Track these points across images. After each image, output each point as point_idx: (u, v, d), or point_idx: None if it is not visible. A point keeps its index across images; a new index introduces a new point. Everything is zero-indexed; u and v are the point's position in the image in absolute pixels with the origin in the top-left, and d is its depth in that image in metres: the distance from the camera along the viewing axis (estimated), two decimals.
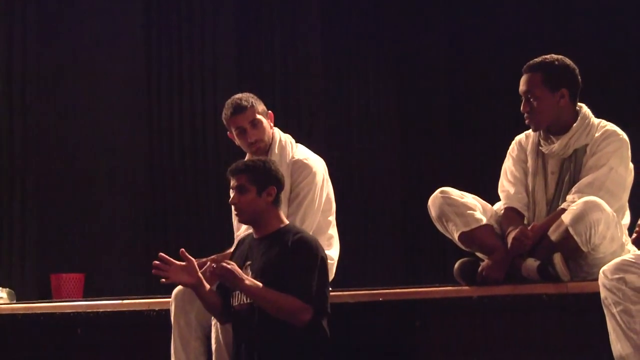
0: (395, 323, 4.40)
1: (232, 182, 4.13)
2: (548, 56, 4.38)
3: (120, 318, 4.92)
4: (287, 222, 4.20)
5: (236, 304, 4.07)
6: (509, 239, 4.24)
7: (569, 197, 4.22)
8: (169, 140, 8.00)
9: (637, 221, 4.09)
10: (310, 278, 3.96)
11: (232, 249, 4.37)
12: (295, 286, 3.93)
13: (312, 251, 4.02)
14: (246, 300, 4.01)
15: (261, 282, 3.97)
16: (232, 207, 4.25)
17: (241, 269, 4.06)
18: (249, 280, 3.95)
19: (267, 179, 4.11)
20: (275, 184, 4.13)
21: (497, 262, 4.23)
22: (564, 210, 4.17)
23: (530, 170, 4.42)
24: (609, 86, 7.93)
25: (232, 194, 4.14)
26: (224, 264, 3.95)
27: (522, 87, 4.36)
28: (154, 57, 8.03)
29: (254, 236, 4.16)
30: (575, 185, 4.25)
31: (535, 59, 4.37)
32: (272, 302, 3.92)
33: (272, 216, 4.12)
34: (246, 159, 4.66)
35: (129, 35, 7.92)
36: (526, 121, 4.36)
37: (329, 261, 4.84)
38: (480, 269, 4.25)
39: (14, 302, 5.94)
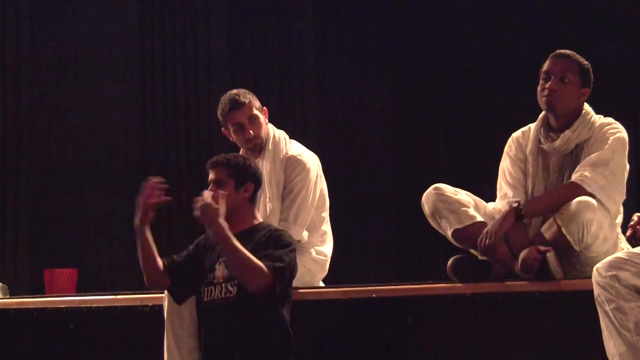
0: (387, 320, 4.40)
1: (211, 175, 4.12)
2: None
3: (114, 313, 4.91)
4: (261, 220, 4.17)
5: (208, 299, 4.02)
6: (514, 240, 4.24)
7: (577, 174, 4.20)
8: (162, 136, 7.98)
9: (630, 218, 4.11)
10: (282, 252, 3.90)
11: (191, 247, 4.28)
12: (265, 255, 3.87)
13: (287, 239, 3.99)
14: (220, 295, 3.97)
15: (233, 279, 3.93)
16: None
17: (215, 265, 4.03)
18: (226, 228, 3.86)
19: (246, 175, 4.09)
20: (254, 181, 4.12)
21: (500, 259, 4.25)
22: (574, 183, 4.16)
23: (530, 171, 4.41)
24: (601, 87, 7.91)
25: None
26: (210, 202, 3.86)
27: (556, 66, 4.33)
28: (147, 53, 8.00)
29: None
30: (582, 162, 4.23)
31: (566, 51, 4.38)
32: (240, 257, 3.82)
33: (247, 213, 4.11)
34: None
35: (122, 30, 7.89)
36: (544, 99, 4.32)
37: (322, 257, 4.87)
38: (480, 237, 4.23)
39: (7, 297, 5.93)
